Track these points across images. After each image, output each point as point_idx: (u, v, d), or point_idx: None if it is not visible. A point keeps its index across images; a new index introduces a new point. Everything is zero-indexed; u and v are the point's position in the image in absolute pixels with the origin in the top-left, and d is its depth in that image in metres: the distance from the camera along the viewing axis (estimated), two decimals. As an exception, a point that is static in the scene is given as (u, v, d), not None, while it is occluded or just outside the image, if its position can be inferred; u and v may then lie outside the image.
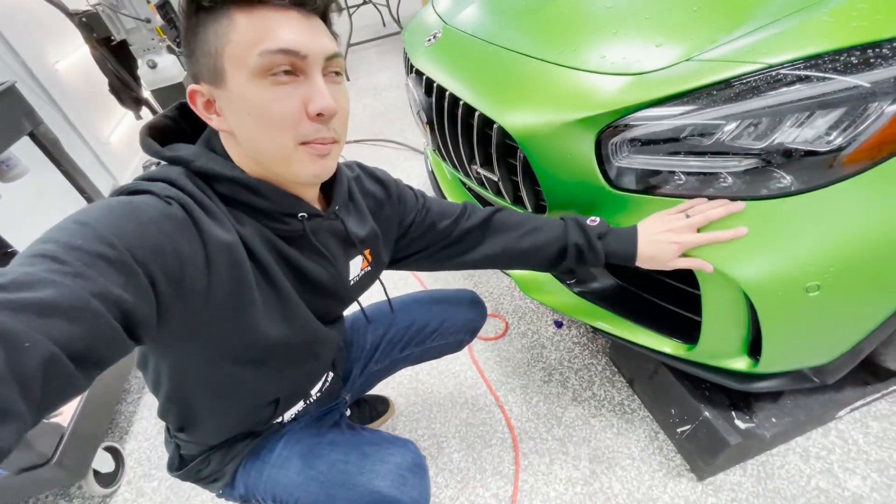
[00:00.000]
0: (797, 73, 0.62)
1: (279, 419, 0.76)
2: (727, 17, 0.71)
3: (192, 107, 0.52)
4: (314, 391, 0.79)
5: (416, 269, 0.84)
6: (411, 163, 2.40)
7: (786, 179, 0.66)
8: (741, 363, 0.83)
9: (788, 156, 0.64)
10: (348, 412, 1.11)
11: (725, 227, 0.70)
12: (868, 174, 0.62)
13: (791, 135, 0.63)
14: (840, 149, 0.61)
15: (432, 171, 1.59)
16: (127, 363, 1.49)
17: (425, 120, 1.13)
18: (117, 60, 2.34)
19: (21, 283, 0.33)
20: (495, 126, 0.88)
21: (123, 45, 2.30)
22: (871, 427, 1.03)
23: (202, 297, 0.46)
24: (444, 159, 1.20)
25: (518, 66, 0.90)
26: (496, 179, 0.98)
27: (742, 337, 0.80)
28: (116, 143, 2.61)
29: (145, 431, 1.35)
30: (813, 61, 0.61)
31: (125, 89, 2.43)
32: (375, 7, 4.57)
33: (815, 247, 0.66)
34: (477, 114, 0.92)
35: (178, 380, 0.60)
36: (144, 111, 2.57)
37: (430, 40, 1.16)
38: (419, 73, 1.15)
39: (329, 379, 0.83)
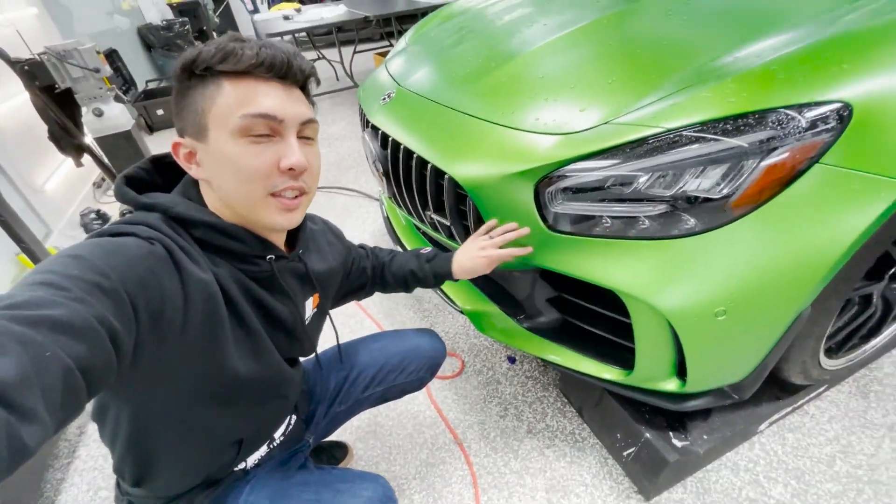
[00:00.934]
0: (692, 134, 0.76)
1: (242, 465, 0.75)
2: (635, 89, 0.86)
3: (174, 157, 0.57)
4: (277, 434, 0.80)
5: (342, 303, 0.97)
6: (366, 209, 2.47)
7: (691, 221, 0.79)
8: (672, 384, 0.93)
9: (691, 202, 0.77)
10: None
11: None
12: (752, 216, 0.76)
13: (692, 184, 0.76)
14: (728, 196, 0.75)
15: (387, 217, 1.66)
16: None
17: (381, 170, 1.21)
18: (60, 108, 2.27)
19: (30, 303, 0.34)
20: (446, 176, 0.97)
21: (68, 93, 2.26)
22: (788, 438, 1.16)
23: (178, 332, 0.49)
24: (399, 206, 1.27)
25: (465, 124, 1.01)
26: (448, 224, 1.06)
27: (670, 360, 0.90)
28: (51, 191, 2.48)
29: (76, 499, 1.23)
30: (702, 126, 0.76)
31: (66, 136, 2.35)
32: (329, 63, 4.79)
33: (719, 277, 0.78)
34: (429, 166, 1.01)
35: (141, 425, 0.60)
36: (86, 158, 2.48)
37: (384, 99, 1.27)
38: (375, 129, 1.24)
39: (292, 422, 0.83)
